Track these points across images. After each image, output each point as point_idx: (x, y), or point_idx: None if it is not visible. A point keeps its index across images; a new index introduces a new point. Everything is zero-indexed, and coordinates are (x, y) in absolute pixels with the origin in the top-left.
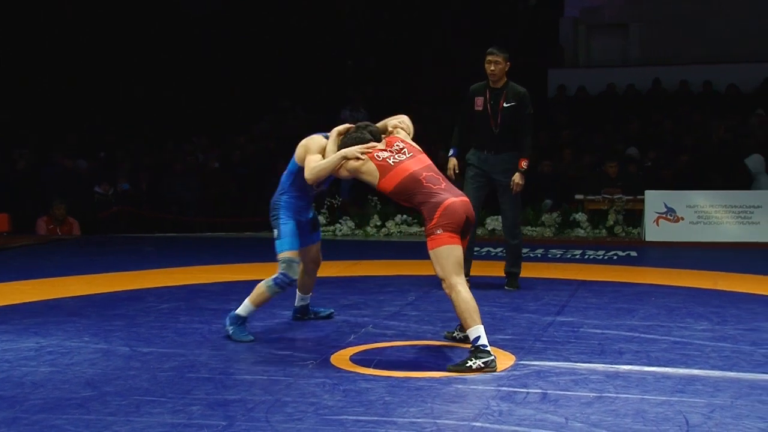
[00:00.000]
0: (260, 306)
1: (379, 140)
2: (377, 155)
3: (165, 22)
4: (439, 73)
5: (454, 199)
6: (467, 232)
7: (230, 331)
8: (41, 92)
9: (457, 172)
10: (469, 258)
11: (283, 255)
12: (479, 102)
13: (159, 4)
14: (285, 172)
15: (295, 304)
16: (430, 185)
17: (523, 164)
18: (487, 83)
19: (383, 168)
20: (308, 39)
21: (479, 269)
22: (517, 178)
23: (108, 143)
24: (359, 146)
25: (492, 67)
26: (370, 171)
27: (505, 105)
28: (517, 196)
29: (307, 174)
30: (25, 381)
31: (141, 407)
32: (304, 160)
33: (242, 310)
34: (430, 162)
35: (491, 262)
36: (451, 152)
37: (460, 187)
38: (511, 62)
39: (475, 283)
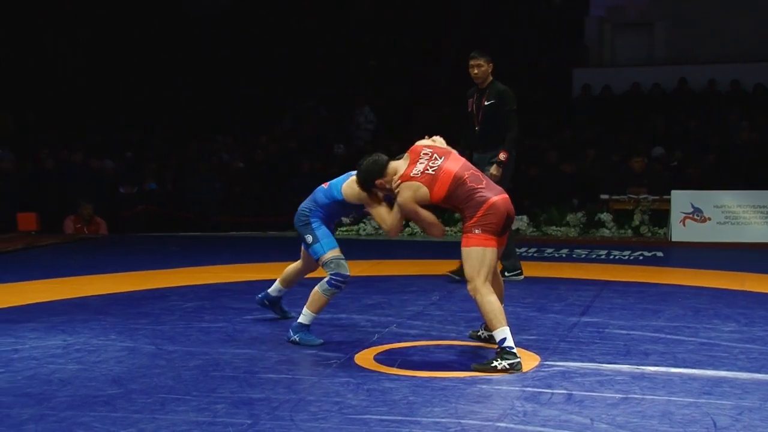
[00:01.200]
0: (320, 311)
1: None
2: (414, 172)
3: (189, 22)
4: (460, 73)
5: (496, 198)
6: (507, 228)
7: (297, 339)
8: (67, 92)
9: None
10: (512, 251)
11: (326, 257)
12: (469, 104)
13: (182, 5)
14: (324, 190)
15: (269, 291)
16: (474, 185)
17: (501, 156)
18: (477, 85)
19: (428, 180)
20: (332, 39)
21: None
22: (493, 169)
23: (134, 143)
24: (407, 185)
25: (475, 71)
26: (422, 191)
27: (486, 103)
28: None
29: (389, 230)
30: (52, 378)
31: (166, 405)
32: (351, 197)
33: (303, 318)
34: (464, 159)
35: None
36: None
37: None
38: (494, 63)
39: None
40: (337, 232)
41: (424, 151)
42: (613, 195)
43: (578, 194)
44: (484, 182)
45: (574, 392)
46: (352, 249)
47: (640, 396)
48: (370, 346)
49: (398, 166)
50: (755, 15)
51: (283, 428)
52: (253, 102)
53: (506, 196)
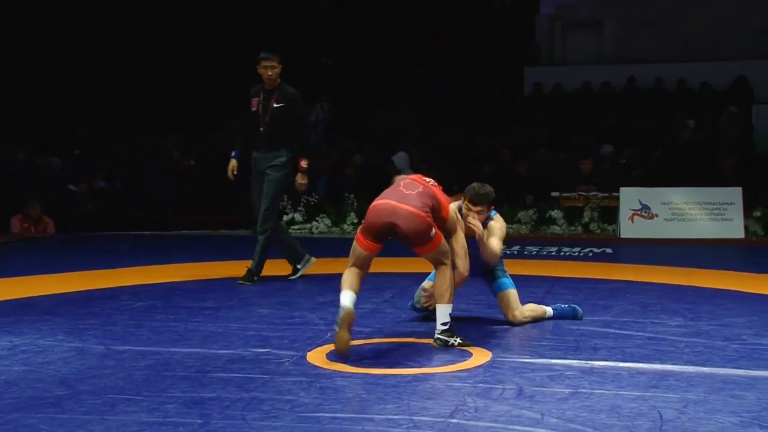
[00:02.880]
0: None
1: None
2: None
3: (142, 19)
4: (414, 72)
5: (380, 201)
6: (385, 237)
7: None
8: (14, 89)
9: (235, 173)
10: (289, 243)
11: None
12: (254, 103)
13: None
14: None
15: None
16: (401, 189)
17: (303, 164)
18: (262, 85)
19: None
20: (284, 36)
21: None
22: (299, 177)
23: (83, 141)
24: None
25: (269, 72)
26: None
27: (275, 105)
28: (270, 191)
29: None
30: None
31: (116, 406)
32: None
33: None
34: (425, 182)
35: None
36: (233, 154)
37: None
38: (283, 64)
39: None
40: (290, 230)
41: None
42: (564, 193)
43: (531, 192)
44: (406, 191)
45: (524, 387)
46: (305, 247)
47: (590, 390)
48: (323, 344)
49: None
50: (703, 15)
51: (234, 428)
52: (205, 100)
53: (400, 204)
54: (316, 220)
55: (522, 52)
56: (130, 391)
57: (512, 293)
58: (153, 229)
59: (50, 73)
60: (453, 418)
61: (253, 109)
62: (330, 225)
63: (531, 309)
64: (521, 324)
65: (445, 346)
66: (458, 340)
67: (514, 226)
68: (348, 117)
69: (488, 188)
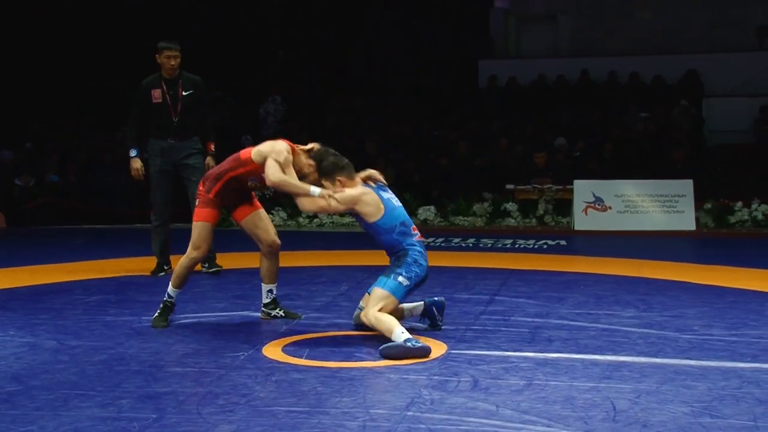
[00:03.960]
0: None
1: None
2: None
3: (94, 8)
4: (368, 63)
5: None
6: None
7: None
8: None
9: (143, 173)
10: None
11: None
12: (157, 94)
13: None
14: None
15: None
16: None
17: (212, 147)
18: (159, 76)
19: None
20: (239, 29)
21: None
22: (210, 161)
23: (35, 134)
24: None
25: (173, 62)
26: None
27: (184, 94)
28: (200, 176)
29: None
30: None
31: (69, 401)
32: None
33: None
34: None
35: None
36: (134, 153)
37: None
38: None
39: None
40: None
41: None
42: (519, 185)
43: (486, 184)
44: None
45: (480, 379)
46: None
47: (544, 382)
48: (278, 338)
49: None
50: (655, 9)
51: (189, 422)
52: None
53: None
54: (272, 213)
55: (476, 46)
56: (84, 386)
57: (376, 292)
58: (106, 222)
59: (5, 66)
60: (409, 410)
61: (158, 100)
62: (285, 218)
63: (380, 319)
64: (368, 324)
65: (154, 324)
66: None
67: (470, 218)
68: (303, 110)
69: (331, 157)
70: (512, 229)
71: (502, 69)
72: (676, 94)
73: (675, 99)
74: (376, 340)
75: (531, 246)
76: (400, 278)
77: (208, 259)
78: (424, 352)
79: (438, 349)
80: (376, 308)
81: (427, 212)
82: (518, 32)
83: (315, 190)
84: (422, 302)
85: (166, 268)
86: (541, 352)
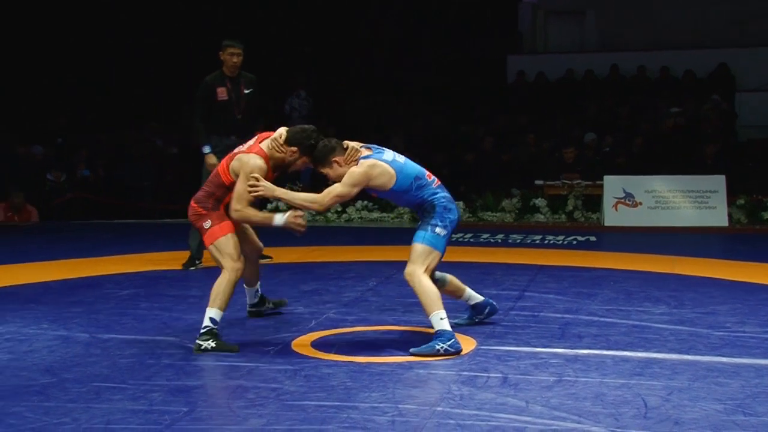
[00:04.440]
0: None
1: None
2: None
3: (119, 8)
4: (395, 58)
5: None
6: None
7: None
8: None
9: None
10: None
11: None
12: (222, 92)
13: None
14: None
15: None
16: None
17: None
18: (222, 73)
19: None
20: (262, 24)
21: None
22: None
23: (66, 130)
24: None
25: (235, 59)
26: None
27: (245, 92)
28: None
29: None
30: None
31: (101, 394)
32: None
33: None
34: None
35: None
36: (208, 149)
37: None
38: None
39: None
40: None
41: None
42: (548, 181)
43: (514, 180)
44: None
45: (509, 375)
46: (288, 235)
47: (574, 378)
48: (307, 333)
49: None
50: (686, 2)
51: (220, 415)
52: (188, 87)
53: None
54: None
55: (505, 41)
56: (115, 379)
57: (417, 248)
58: (135, 217)
59: (34, 62)
60: (438, 406)
61: (223, 98)
62: (314, 214)
63: (424, 289)
64: (409, 283)
65: (198, 350)
66: (212, 344)
67: (498, 214)
68: (327, 106)
69: (307, 133)
70: (541, 225)
71: (531, 64)
72: (707, 88)
73: (706, 93)
74: (405, 335)
75: (560, 242)
76: (438, 229)
77: (193, 258)
78: (455, 353)
79: (467, 344)
80: (422, 267)
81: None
82: (546, 27)
83: (278, 218)
84: (482, 298)
85: (197, 263)
86: (571, 349)
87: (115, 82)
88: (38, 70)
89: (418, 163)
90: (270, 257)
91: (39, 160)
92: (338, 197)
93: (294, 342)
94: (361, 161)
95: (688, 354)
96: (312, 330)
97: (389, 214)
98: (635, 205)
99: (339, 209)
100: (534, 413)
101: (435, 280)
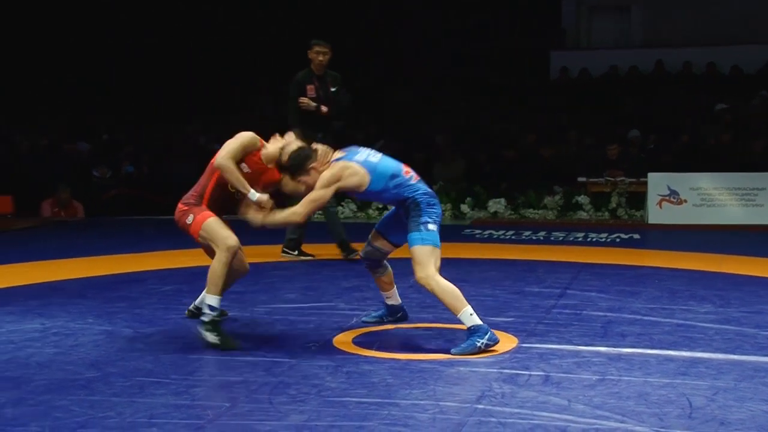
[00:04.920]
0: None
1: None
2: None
3: (162, 4)
4: (437, 54)
5: None
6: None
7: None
8: (41, 75)
9: None
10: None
11: None
12: (312, 89)
13: None
14: None
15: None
16: None
17: (323, 108)
18: (310, 71)
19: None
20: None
21: (479, 252)
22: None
23: (110, 126)
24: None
25: (321, 58)
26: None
27: (332, 89)
28: None
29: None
30: (30, 362)
31: (145, 388)
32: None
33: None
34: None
35: (493, 245)
36: None
37: None
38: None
39: (476, 265)
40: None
41: None
42: (591, 178)
43: (556, 177)
44: None
45: (551, 374)
46: (329, 233)
47: (617, 377)
48: (348, 329)
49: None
50: None
51: (261, 411)
52: (231, 84)
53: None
54: (342, 205)
55: (548, 36)
56: (159, 374)
57: (419, 251)
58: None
59: (78, 58)
60: (479, 403)
61: (312, 95)
62: (355, 210)
63: (444, 289)
64: (427, 289)
65: (202, 338)
66: (215, 339)
67: (540, 211)
68: (368, 100)
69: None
70: (584, 223)
71: (574, 60)
72: (754, 84)
73: (754, 89)
74: (445, 332)
75: (603, 239)
76: (430, 225)
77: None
78: (495, 344)
79: (509, 342)
80: (432, 268)
81: (497, 205)
82: (590, 22)
83: (254, 194)
84: (400, 301)
85: (352, 255)
86: (614, 347)
87: (159, 77)
88: (84, 67)
89: (462, 160)
90: (312, 255)
91: (85, 156)
92: (313, 202)
93: (335, 339)
94: (333, 164)
95: (735, 354)
96: (353, 327)
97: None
98: (680, 202)
99: (380, 206)
100: (576, 412)
101: (379, 266)
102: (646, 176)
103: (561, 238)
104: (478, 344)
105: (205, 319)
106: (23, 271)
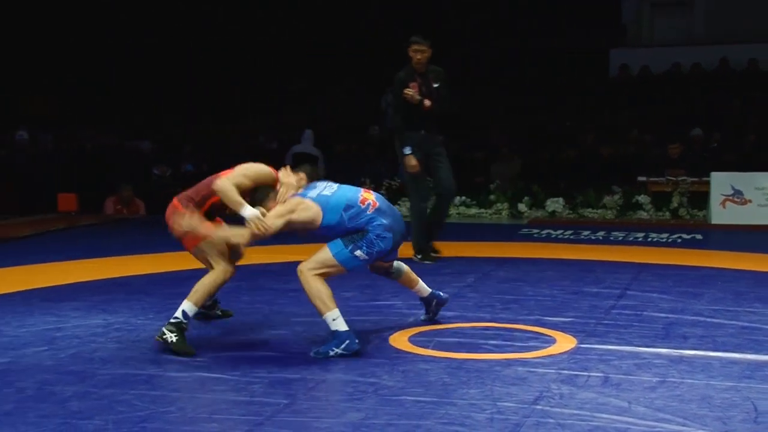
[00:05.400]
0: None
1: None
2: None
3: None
4: (494, 52)
5: None
6: None
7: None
8: (106, 74)
9: (420, 168)
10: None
11: None
12: (413, 87)
13: None
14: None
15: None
16: None
17: (427, 102)
18: (411, 68)
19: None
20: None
21: (537, 251)
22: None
23: (170, 124)
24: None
25: (418, 56)
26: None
27: (435, 86)
28: (450, 167)
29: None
30: (94, 357)
31: (205, 384)
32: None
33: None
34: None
35: (551, 245)
36: (408, 150)
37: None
38: (433, 48)
39: (534, 265)
40: None
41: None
42: (651, 177)
43: (615, 176)
44: None
45: (611, 375)
46: None
47: (679, 379)
48: (405, 328)
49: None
50: None
51: (319, 408)
52: (289, 84)
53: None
54: (398, 204)
55: (608, 34)
56: (218, 370)
57: (323, 253)
58: None
59: (140, 58)
60: (537, 404)
61: (415, 93)
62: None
63: (312, 288)
64: (299, 278)
65: (160, 337)
66: (174, 338)
67: (599, 211)
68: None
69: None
70: (644, 222)
71: (635, 57)
72: None
73: None
74: (503, 332)
75: (664, 240)
76: (358, 252)
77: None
78: (353, 354)
79: (567, 342)
80: (316, 270)
81: (556, 204)
82: (651, 19)
83: (248, 211)
84: (430, 291)
85: (434, 254)
86: (676, 349)
87: (219, 76)
88: (148, 69)
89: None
90: (439, 251)
91: (146, 154)
92: (258, 229)
93: (391, 337)
94: (288, 199)
95: None
96: (409, 326)
97: (487, 210)
98: (744, 202)
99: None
100: (637, 414)
101: (390, 273)
102: (708, 175)
103: (620, 238)
104: (332, 353)
105: (173, 320)
106: (87, 268)
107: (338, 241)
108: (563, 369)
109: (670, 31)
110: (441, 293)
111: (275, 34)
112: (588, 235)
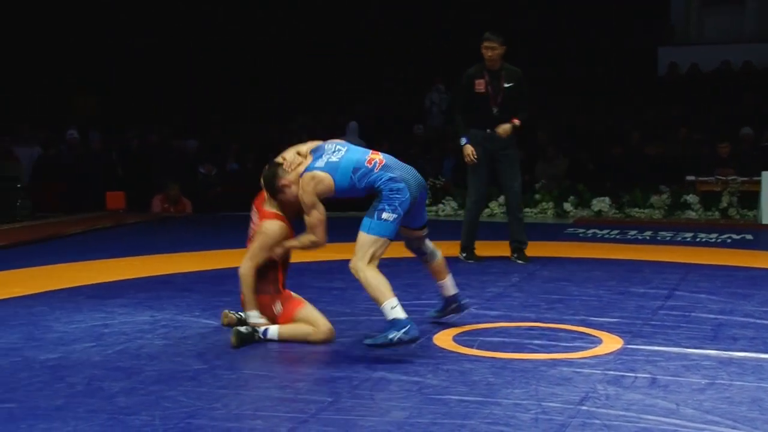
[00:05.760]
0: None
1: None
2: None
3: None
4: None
5: None
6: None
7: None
8: (151, 74)
9: (475, 157)
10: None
11: None
12: (481, 84)
13: None
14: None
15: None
16: None
17: (515, 121)
18: (483, 66)
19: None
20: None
21: (583, 251)
22: (507, 127)
23: (216, 123)
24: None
25: (489, 53)
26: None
27: (506, 85)
28: (517, 170)
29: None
30: (141, 353)
31: (250, 381)
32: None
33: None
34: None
35: (597, 244)
36: (464, 141)
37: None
38: (506, 46)
39: (579, 265)
40: None
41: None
42: (700, 176)
43: (663, 175)
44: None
45: (658, 376)
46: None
47: (728, 382)
48: (449, 327)
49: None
50: None
51: (363, 406)
52: (333, 82)
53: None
54: (442, 203)
55: (656, 32)
56: (263, 367)
57: (361, 238)
58: None
59: (188, 59)
60: (583, 405)
61: (481, 89)
62: (456, 208)
63: (369, 282)
64: (355, 277)
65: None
66: (244, 330)
67: (647, 210)
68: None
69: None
70: (693, 222)
71: (683, 56)
72: None
73: None
74: (548, 332)
75: (713, 240)
76: (384, 215)
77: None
78: (411, 340)
79: (613, 343)
80: (365, 260)
81: (602, 203)
82: (701, 16)
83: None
84: (456, 291)
85: (466, 257)
86: (725, 351)
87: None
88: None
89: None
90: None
91: (192, 153)
92: (318, 221)
93: (436, 336)
94: (302, 179)
95: None
96: (454, 324)
97: (532, 209)
98: None
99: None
100: (685, 416)
101: (424, 253)
102: (759, 175)
103: (668, 238)
104: (390, 337)
105: (243, 329)
106: (134, 265)
107: (364, 219)
108: (609, 370)
109: (720, 28)
110: (465, 301)
111: (292, 33)
112: (635, 235)
